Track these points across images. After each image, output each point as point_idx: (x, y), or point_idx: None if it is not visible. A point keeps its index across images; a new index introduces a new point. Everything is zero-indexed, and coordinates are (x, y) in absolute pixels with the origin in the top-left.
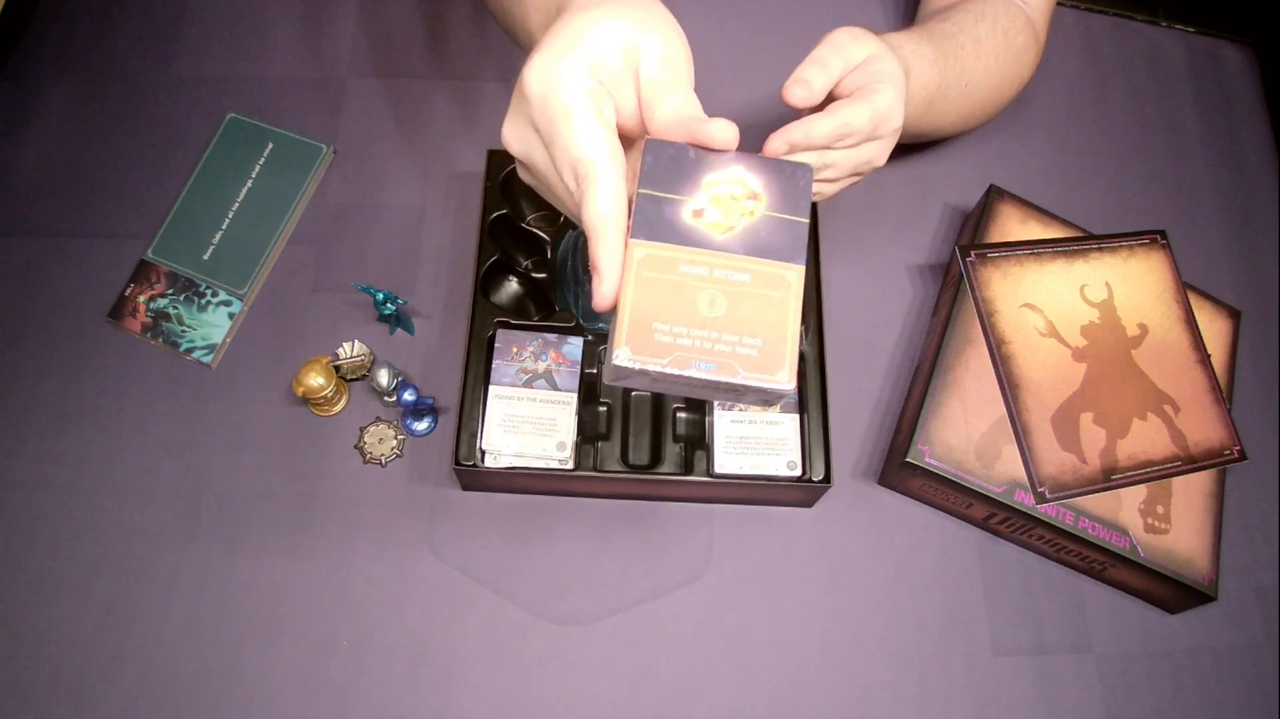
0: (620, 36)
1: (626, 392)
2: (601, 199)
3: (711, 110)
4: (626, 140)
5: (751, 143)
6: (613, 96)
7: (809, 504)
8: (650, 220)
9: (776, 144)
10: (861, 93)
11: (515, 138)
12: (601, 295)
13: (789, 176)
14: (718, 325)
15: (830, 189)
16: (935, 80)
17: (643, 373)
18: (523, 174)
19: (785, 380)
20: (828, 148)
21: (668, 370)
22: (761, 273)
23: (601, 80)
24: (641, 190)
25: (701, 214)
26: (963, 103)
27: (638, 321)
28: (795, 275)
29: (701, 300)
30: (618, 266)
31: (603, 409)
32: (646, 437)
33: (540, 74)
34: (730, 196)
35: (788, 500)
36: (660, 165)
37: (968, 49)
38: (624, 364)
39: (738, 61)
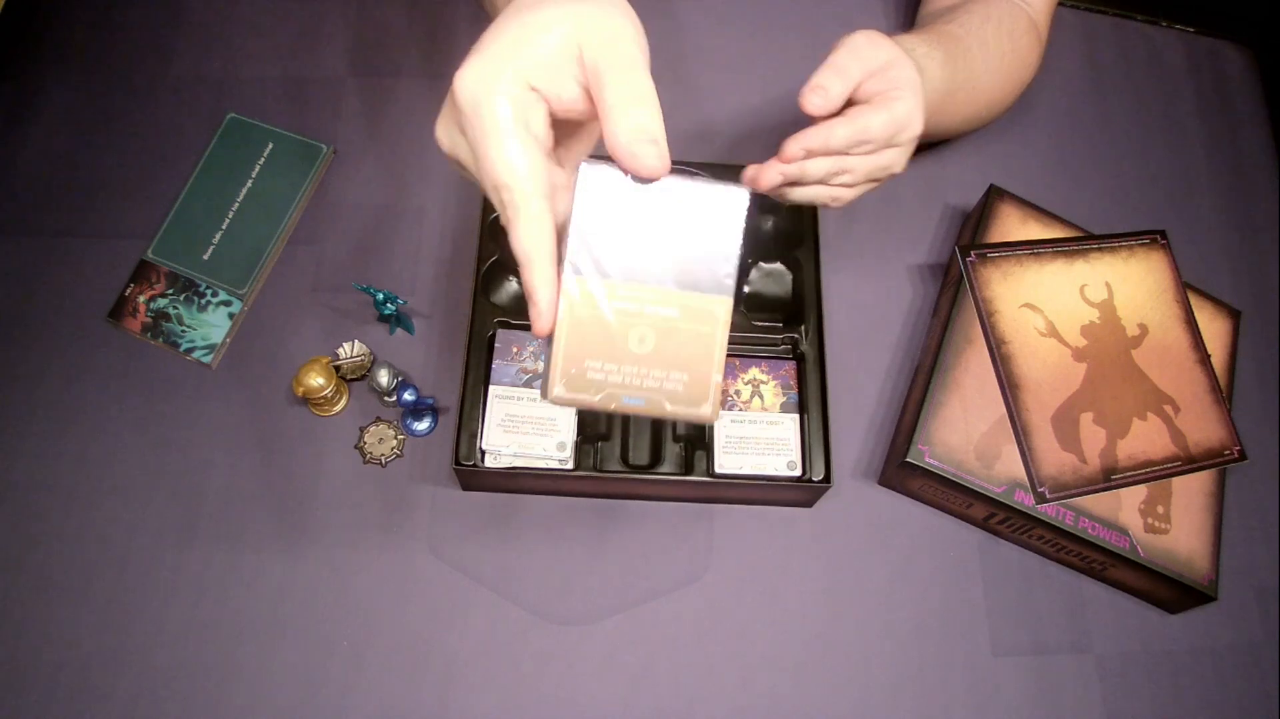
0: (562, 38)
1: None
2: (526, 233)
3: (712, 111)
4: (574, 125)
5: (754, 145)
6: (546, 92)
7: (809, 504)
8: (583, 254)
9: (793, 149)
10: (880, 99)
11: (445, 136)
12: (538, 328)
13: (724, 202)
14: (646, 362)
15: (847, 194)
16: (945, 84)
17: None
18: (453, 168)
19: (709, 412)
20: (845, 153)
21: (599, 406)
22: (691, 308)
23: (534, 85)
24: (575, 221)
25: (633, 245)
26: (970, 105)
27: (571, 359)
28: (723, 309)
29: (632, 337)
30: (552, 299)
31: None
32: (646, 437)
33: (471, 84)
34: (662, 228)
35: (788, 500)
36: (591, 196)
37: (975, 51)
38: (560, 398)
39: (739, 62)
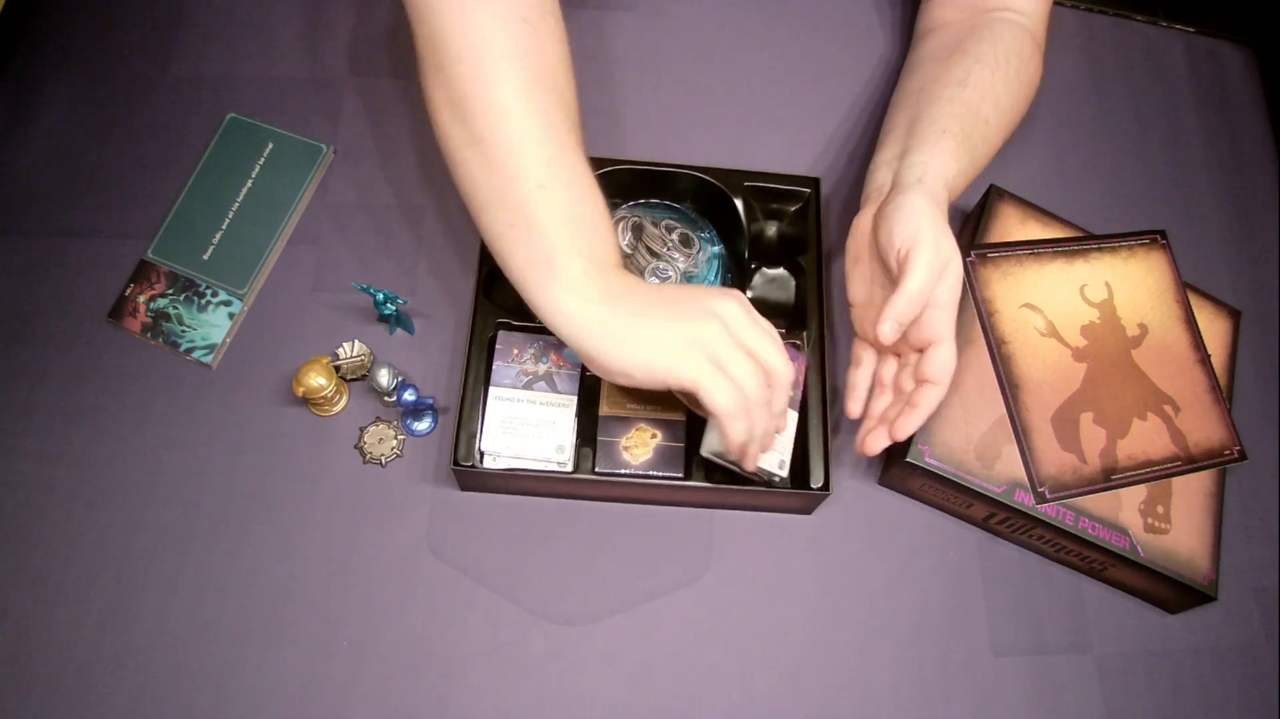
0: None
1: None
2: None
3: (711, 110)
4: None
5: (754, 145)
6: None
7: (808, 512)
8: None
9: (888, 330)
10: (905, 265)
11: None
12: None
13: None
14: None
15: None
16: (968, 179)
17: None
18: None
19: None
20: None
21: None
22: None
23: None
24: None
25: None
26: (986, 162)
27: None
28: None
29: None
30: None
31: None
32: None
33: None
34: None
35: (786, 507)
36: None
37: (992, 121)
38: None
39: (738, 61)
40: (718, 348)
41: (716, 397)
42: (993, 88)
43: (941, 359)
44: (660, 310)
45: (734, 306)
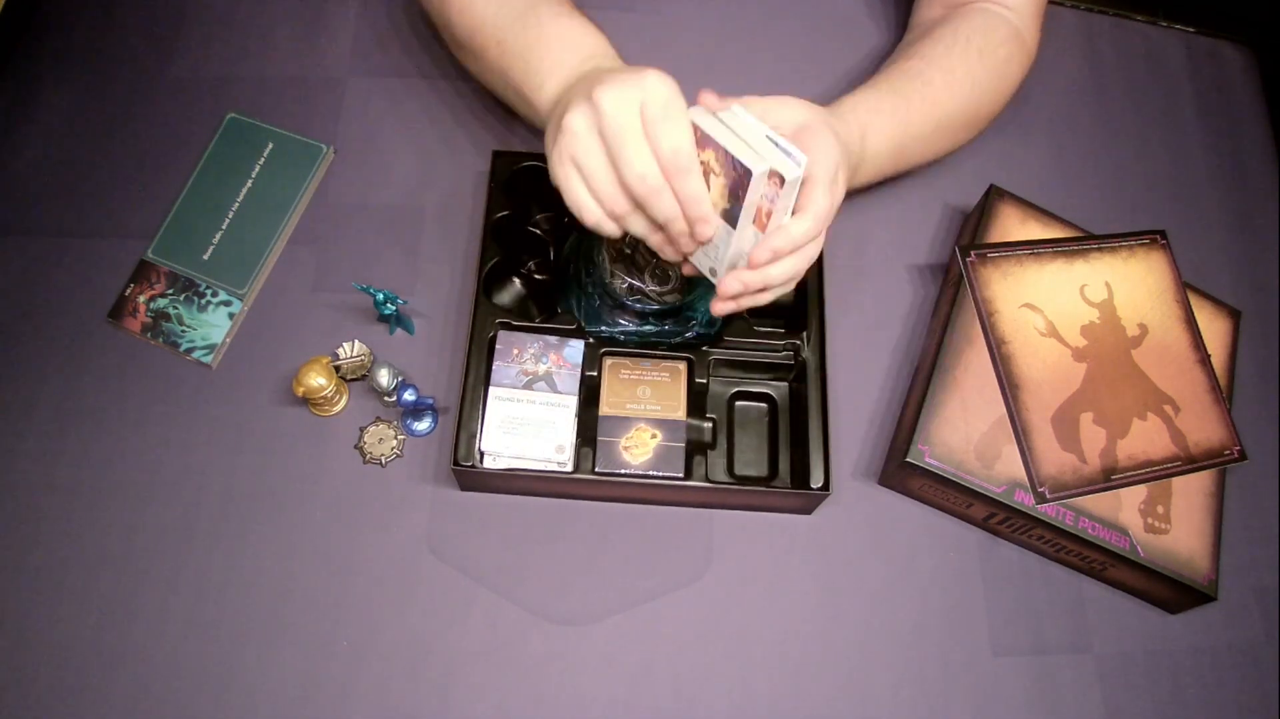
0: None
1: None
2: None
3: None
4: None
5: None
6: None
7: (808, 511)
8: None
9: (730, 285)
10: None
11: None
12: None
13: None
14: None
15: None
16: (899, 128)
17: None
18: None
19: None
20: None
21: None
22: None
23: None
24: None
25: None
26: (939, 136)
27: None
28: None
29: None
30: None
31: None
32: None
33: None
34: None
35: (785, 507)
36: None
37: (937, 83)
38: None
39: (738, 61)
40: (576, 147)
41: (567, 201)
42: (945, 58)
43: (791, 229)
44: (562, 106)
45: (611, 96)
